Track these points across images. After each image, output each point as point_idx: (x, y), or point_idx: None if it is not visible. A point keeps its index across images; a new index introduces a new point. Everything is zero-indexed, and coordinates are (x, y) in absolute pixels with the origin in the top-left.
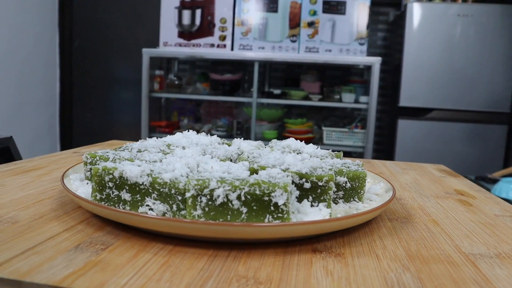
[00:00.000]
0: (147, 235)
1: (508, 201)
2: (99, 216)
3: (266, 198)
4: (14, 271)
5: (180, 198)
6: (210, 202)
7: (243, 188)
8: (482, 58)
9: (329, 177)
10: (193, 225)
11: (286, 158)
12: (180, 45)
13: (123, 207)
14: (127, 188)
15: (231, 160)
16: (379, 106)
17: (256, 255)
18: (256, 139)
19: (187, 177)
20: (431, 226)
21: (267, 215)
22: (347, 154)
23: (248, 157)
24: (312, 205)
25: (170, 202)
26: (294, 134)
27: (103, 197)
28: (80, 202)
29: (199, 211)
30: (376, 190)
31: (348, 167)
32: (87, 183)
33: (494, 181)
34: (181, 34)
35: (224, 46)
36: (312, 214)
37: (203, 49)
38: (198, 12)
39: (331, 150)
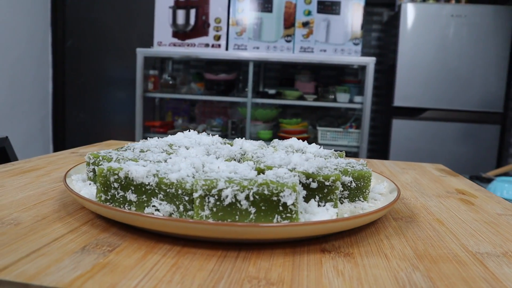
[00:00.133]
0: (154, 236)
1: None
2: (103, 217)
3: (275, 198)
4: (21, 274)
5: (187, 198)
6: (218, 203)
7: (252, 188)
8: (475, 58)
9: (336, 177)
10: (203, 226)
11: (292, 158)
12: (174, 45)
13: (129, 208)
14: (133, 188)
15: (234, 160)
16: (373, 106)
17: (265, 255)
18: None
19: (193, 177)
20: (436, 225)
21: (276, 215)
22: None
23: (252, 157)
24: (318, 205)
25: (177, 203)
26: (289, 134)
27: (108, 198)
28: (85, 203)
29: (207, 212)
30: (380, 190)
31: (353, 166)
32: (90, 184)
33: (489, 180)
34: (176, 34)
35: (219, 46)
36: (320, 214)
37: (198, 49)
38: (193, 11)
39: (333, 149)
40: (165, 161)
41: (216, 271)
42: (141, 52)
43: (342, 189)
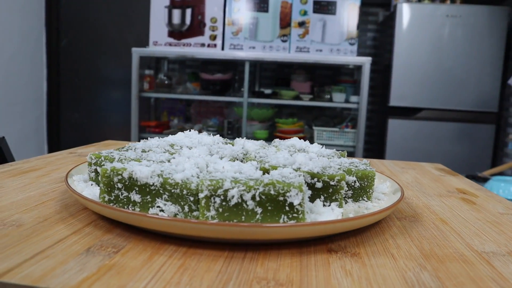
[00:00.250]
0: (158, 237)
1: None
2: (106, 218)
3: (281, 198)
4: (27, 276)
5: (192, 199)
6: (224, 203)
7: (258, 188)
8: (470, 58)
9: (341, 177)
10: (209, 227)
11: (297, 158)
12: (170, 44)
13: (133, 208)
14: (137, 189)
15: (237, 160)
16: (369, 105)
17: (272, 256)
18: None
19: (197, 177)
20: (440, 224)
21: (282, 215)
22: None
23: (255, 156)
24: (323, 205)
25: (182, 203)
26: (285, 133)
27: (112, 198)
28: (88, 204)
29: (212, 212)
30: (383, 189)
31: (356, 166)
32: (92, 184)
33: (484, 179)
34: (171, 34)
35: (215, 45)
36: (325, 214)
37: (194, 48)
38: (188, 11)
39: (335, 149)
40: (168, 161)
41: (224, 272)
42: (136, 52)
43: (346, 188)
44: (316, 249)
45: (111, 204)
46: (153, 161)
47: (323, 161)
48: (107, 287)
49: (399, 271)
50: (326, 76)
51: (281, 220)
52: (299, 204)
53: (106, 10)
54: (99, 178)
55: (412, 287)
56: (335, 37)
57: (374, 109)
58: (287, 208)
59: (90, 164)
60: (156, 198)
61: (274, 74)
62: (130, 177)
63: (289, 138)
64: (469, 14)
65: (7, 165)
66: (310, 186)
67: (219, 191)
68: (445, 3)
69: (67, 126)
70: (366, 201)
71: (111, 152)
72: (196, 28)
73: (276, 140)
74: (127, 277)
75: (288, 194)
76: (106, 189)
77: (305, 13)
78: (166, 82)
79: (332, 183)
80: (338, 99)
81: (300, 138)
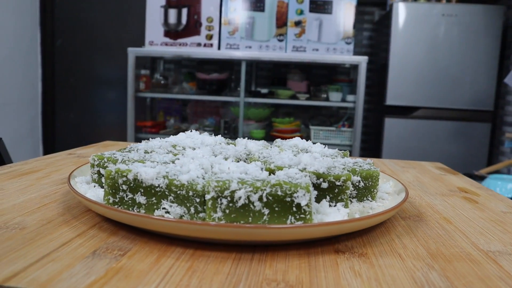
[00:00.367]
0: (164, 239)
1: None
2: (110, 220)
3: (288, 199)
4: (34, 281)
5: (198, 200)
6: (231, 204)
7: (265, 189)
8: (466, 57)
9: (347, 177)
10: (217, 228)
11: (302, 158)
12: (166, 44)
13: (138, 210)
14: (142, 190)
15: (239, 161)
16: (365, 105)
17: (280, 257)
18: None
19: (203, 178)
20: (444, 224)
21: (290, 216)
22: None
23: (259, 157)
24: (329, 205)
25: (188, 205)
26: (282, 133)
27: (117, 200)
28: (93, 206)
29: (219, 214)
30: (387, 189)
31: (360, 166)
32: (94, 186)
33: (481, 178)
34: (167, 33)
35: (211, 45)
36: (332, 215)
37: (190, 48)
38: (184, 11)
39: (337, 149)
40: (173, 162)
41: (233, 274)
42: (132, 52)
43: (352, 188)
44: (324, 249)
45: (116, 206)
46: (157, 162)
47: (328, 161)
48: None
49: (407, 271)
50: (322, 76)
51: (288, 221)
52: (307, 205)
53: (101, 9)
54: (104, 180)
55: (422, 287)
56: (332, 37)
57: (370, 108)
58: (294, 209)
59: (92, 166)
60: (162, 200)
61: (271, 74)
62: (135, 178)
63: (286, 137)
64: (465, 13)
65: (6, 166)
66: (316, 186)
67: (226, 192)
68: (440, 2)
69: (62, 126)
70: (371, 201)
71: (114, 153)
72: (192, 27)
73: (278, 140)
74: (136, 280)
75: (295, 194)
76: (110, 191)
77: (301, 12)
78: (162, 82)
79: (338, 183)
80: (334, 98)
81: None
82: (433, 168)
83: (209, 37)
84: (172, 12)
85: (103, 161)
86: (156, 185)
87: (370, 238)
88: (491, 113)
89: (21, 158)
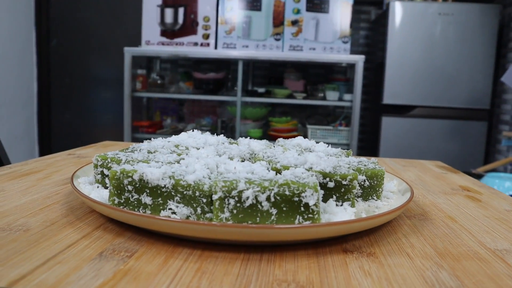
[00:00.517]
0: (171, 240)
1: None
2: (115, 221)
3: (296, 199)
4: (41, 284)
5: (204, 200)
6: (238, 204)
7: (272, 189)
8: (462, 56)
9: (353, 176)
10: (226, 229)
11: (308, 157)
12: (163, 43)
13: (143, 211)
14: (148, 191)
15: (243, 160)
16: (362, 103)
17: (289, 257)
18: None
19: (209, 178)
20: (449, 222)
21: (298, 216)
22: None
23: (263, 157)
24: (336, 205)
25: (194, 205)
26: (279, 132)
27: (122, 201)
28: (98, 207)
29: (226, 214)
30: (391, 188)
31: (365, 165)
32: (98, 187)
33: (479, 176)
34: (164, 33)
35: (208, 44)
36: (340, 214)
37: (186, 47)
38: (181, 10)
39: (340, 148)
40: (178, 162)
41: (242, 275)
42: (129, 51)
43: (358, 188)
44: (332, 249)
45: (121, 207)
46: (162, 162)
47: (333, 160)
48: None
49: (417, 270)
50: (319, 75)
51: (296, 221)
52: (315, 205)
53: (97, 9)
54: (108, 181)
55: (433, 286)
56: (328, 36)
57: (367, 107)
58: (302, 208)
59: (96, 166)
60: (168, 200)
61: (267, 73)
62: (140, 179)
63: (283, 136)
64: (461, 12)
65: (5, 167)
66: (322, 186)
67: (234, 192)
68: (437, 1)
69: (58, 127)
70: (376, 200)
71: (117, 154)
72: (189, 27)
73: (281, 139)
74: (145, 282)
75: (303, 194)
76: (115, 192)
77: (298, 11)
78: (159, 81)
79: (344, 182)
80: (331, 97)
81: (294, 137)
82: (433, 166)
83: (206, 36)
84: (169, 12)
85: (106, 161)
86: (162, 185)
87: (377, 238)
88: (488, 111)
89: (17, 159)
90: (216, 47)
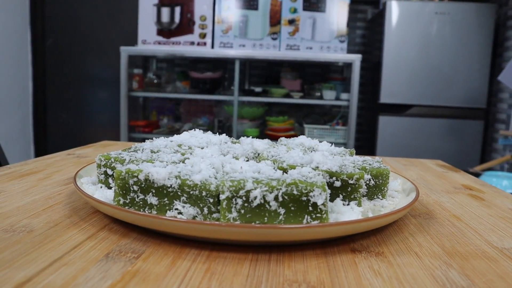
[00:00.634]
0: (178, 241)
1: None
2: (120, 222)
3: (304, 198)
4: (48, 286)
5: (211, 200)
6: (246, 204)
7: (280, 189)
8: (458, 55)
9: (360, 175)
10: (235, 229)
11: (314, 156)
12: (159, 43)
13: (149, 211)
14: (154, 191)
15: (248, 160)
16: (359, 103)
17: (298, 257)
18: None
19: (215, 178)
20: (455, 221)
21: (306, 216)
22: None
23: (268, 156)
24: (342, 204)
25: (201, 205)
26: (276, 131)
27: (127, 201)
28: (103, 208)
29: (234, 214)
30: (395, 187)
31: (370, 164)
32: (101, 187)
33: (476, 175)
34: (160, 32)
35: (204, 44)
36: (347, 213)
37: (183, 47)
38: (178, 9)
39: (343, 147)
40: (182, 162)
41: (252, 276)
42: (125, 51)
43: (364, 187)
44: (340, 249)
45: (127, 207)
46: (166, 162)
47: (339, 159)
48: None
49: (426, 270)
50: (316, 74)
51: (305, 221)
52: (323, 204)
53: (93, 8)
54: (111, 181)
55: (443, 286)
56: (325, 35)
57: (364, 106)
58: (310, 208)
59: (99, 166)
60: (174, 200)
61: (264, 72)
62: (146, 179)
63: (281, 136)
64: (457, 11)
65: (5, 168)
66: (329, 185)
67: (241, 192)
68: (433, 0)
69: (54, 127)
70: (381, 199)
71: (120, 153)
72: (186, 26)
73: (283, 138)
74: (154, 283)
75: (311, 194)
76: (121, 192)
77: (295, 10)
78: (155, 81)
79: (351, 181)
80: (328, 96)
81: (291, 136)
82: (434, 165)
83: (203, 35)
84: (165, 11)
85: (110, 161)
86: (168, 185)
87: (384, 237)
88: (484, 110)
89: (12, 159)
90: (212, 47)
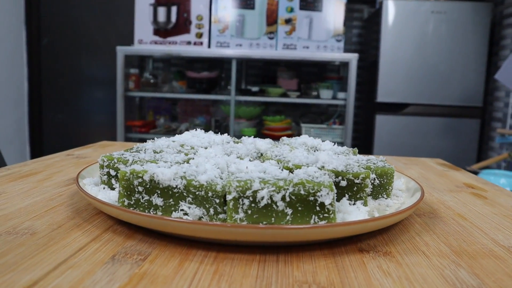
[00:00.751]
0: (184, 242)
1: None
2: (124, 223)
3: (312, 198)
4: None
5: (217, 201)
6: (253, 205)
7: (287, 189)
8: (455, 54)
9: (366, 174)
10: (242, 230)
11: (320, 156)
12: (155, 42)
13: (154, 212)
14: (159, 192)
15: (251, 159)
16: (356, 102)
17: (306, 257)
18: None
19: (221, 178)
20: (459, 220)
21: (313, 216)
22: None
23: (271, 156)
24: (348, 204)
25: (207, 206)
26: (273, 131)
27: (132, 202)
28: (108, 209)
29: (241, 214)
30: (399, 186)
31: (374, 163)
32: (104, 188)
33: (474, 173)
34: (157, 32)
35: (201, 43)
36: (354, 213)
37: (180, 46)
38: (174, 9)
39: (345, 146)
40: (186, 162)
41: (261, 277)
42: (121, 50)
43: (371, 186)
44: (347, 249)
45: (131, 208)
46: (170, 162)
47: (343, 159)
48: None
49: (435, 269)
50: (312, 73)
51: (312, 221)
52: (330, 204)
53: (89, 7)
54: (114, 181)
55: (454, 285)
56: (322, 34)
57: (360, 105)
58: (317, 208)
59: (102, 167)
60: (180, 201)
61: (261, 72)
62: (151, 179)
63: (277, 135)
64: (453, 10)
65: (4, 169)
66: (335, 184)
67: (248, 193)
68: None
69: (50, 127)
70: (386, 199)
71: (123, 154)
72: (182, 26)
73: (284, 138)
74: (163, 286)
75: (318, 193)
76: (125, 193)
77: (291, 10)
78: (152, 81)
79: (356, 181)
80: (325, 95)
81: (288, 136)
82: (434, 164)
83: (199, 35)
84: (162, 10)
85: (112, 161)
86: (174, 186)
87: (390, 236)
88: (480, 109)
89: (8, 160)
90: (209, 46)
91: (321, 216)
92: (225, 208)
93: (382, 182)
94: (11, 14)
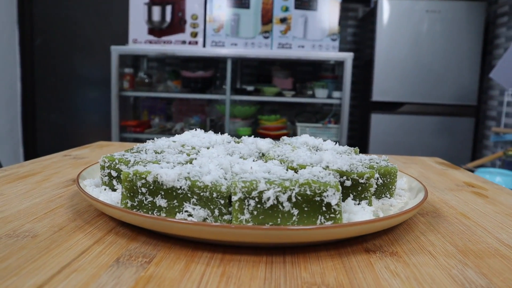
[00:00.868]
0: (188, 244)
1: None
2: (126, 225)
3: (318, 199)
4: None
5: (222, 202)
6: (259, 205)
7: (293, 189)
8: (449, 53)
9: (371, 174)
10: (249, 231)
11: (324, 156)
12: (150, 42)
13: (158, 214)
14: (163, 193)
15: (255, 159)
16: (351, 101)
17: (313, 258)
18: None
19: (225, 179)
20: (463, 219)
21: (319, 216)
22: None
23: (274, 156)
24: (353, 204)
25: (212, 207)
26: (269, 130)
27: (135, 204)
28: (111, 211)
29: (246, 215)
30: (402, 185)
31: (377, 162)
32: (105, 189)
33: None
34: (151, 31)
35: (196, 43)
36: (359, 213)
37: (174, 46)
38: (169, 8)
39: (346, 145)
40: (188, 162)
41: (269, 279)
42: (115, 50)
43: (375, 186)
44: (354, 249)
45: (135, 210)
46: (172, 163)
47: (347, 158)
48: None
49: (443, 269)
50: (308, 72)
51: (318, 221)
52: (337, 204)
53: (82, 6)
54: (115, 182)
55: (462, 286)
56: (317, 33)
57: (356, 104)
58: (324, 208)
59: (103, 168)
60: (184, 202)
61: (256, 71)
62: (155, 180)
63: (273, 135)
64: (448, 9)
65: (1, 170)
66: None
67: (254, 193)
68: None
69: (43, 127)
70: (389, 198)
71: (124, 154)
72: (177, 25)
73: (285, 137)
74: None
75: (325, 194)
76: (128, 194)
77: (286, 9)
78: (146, 80)
79: (361, 181)
80: (320, 95)
81: (283, 135)
82: (433, 163)
83: (194, 34)
84: (156, 9)
85: (114, 162)
86: (178, 187)
87: (395, 236)
88: (475, 107)
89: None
90: (204, 45)
91: (327, 217)
92: (230, 209)
93: (386, 181)
94: (3, 14)
